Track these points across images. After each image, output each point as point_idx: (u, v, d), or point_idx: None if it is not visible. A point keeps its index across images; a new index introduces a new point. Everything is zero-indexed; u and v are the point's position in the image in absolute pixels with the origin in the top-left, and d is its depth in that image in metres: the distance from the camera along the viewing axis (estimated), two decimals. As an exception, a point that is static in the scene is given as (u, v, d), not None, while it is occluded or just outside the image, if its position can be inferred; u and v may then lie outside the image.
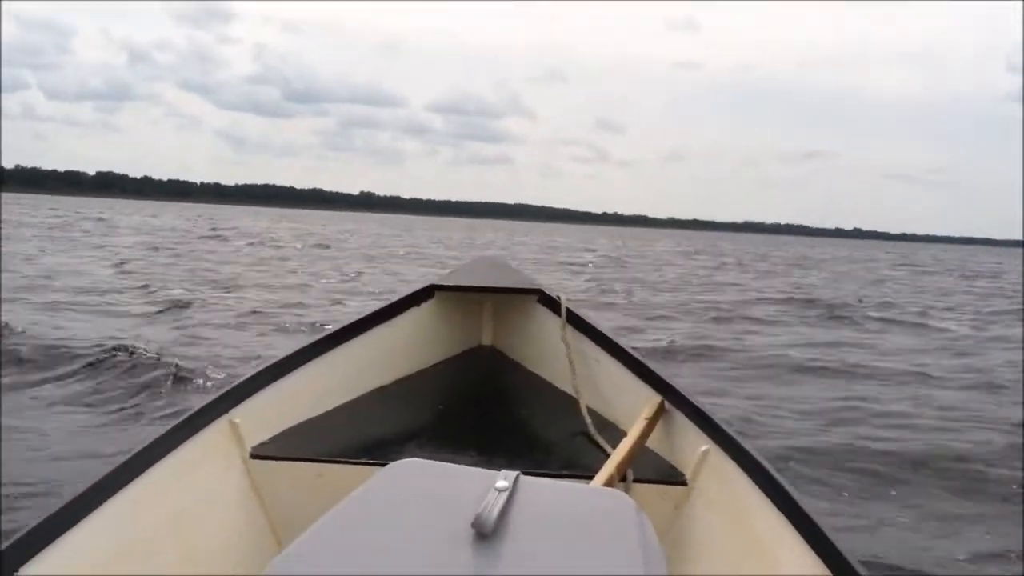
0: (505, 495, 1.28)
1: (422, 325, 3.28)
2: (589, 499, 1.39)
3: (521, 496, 1.30)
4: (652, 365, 2.82)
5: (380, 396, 3.05)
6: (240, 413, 2.49)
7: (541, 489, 1.34)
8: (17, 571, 1.65)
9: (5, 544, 1.66)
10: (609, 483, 2.18)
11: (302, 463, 2.50)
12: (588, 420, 2.80)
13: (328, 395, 2.88)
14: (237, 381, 2.59)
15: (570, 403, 2.93)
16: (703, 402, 2.58)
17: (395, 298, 3.25)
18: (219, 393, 2.51)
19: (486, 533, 1.20)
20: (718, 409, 2.65)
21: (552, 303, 3.22)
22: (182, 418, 2.32)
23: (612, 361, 2.95)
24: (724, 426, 2.39)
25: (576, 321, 3.11)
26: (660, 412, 2.64)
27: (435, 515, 1.25)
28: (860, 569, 1.71)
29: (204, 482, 2.32)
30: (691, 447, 2.47)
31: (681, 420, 2.58)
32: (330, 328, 3.03)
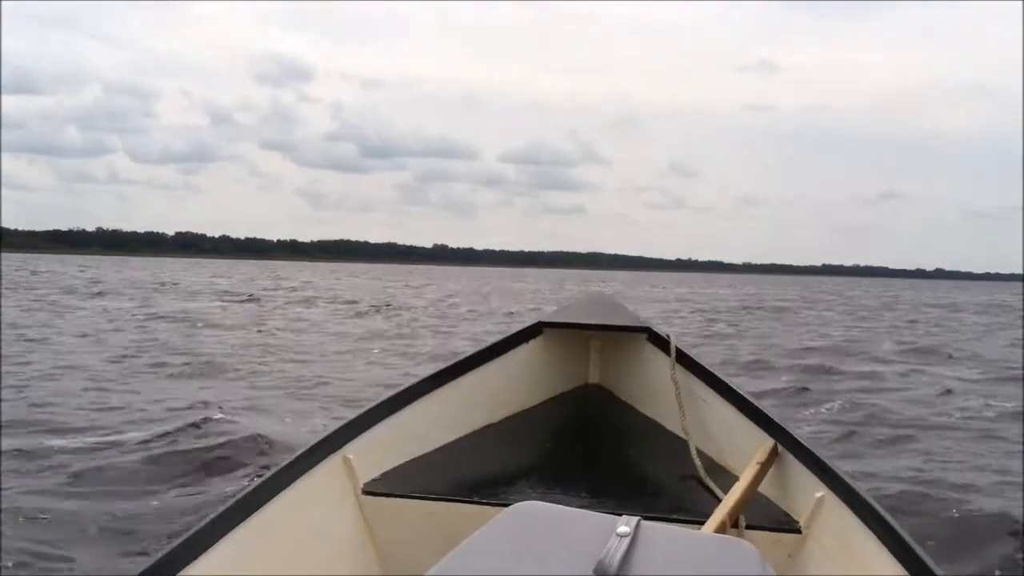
0: (627, 541, 1.26)
1: (530, 363, 3.27)
2: (711, 546, 1.37)
3: (642, 542, 1.28)
4: (764, 407, 2.75)
5: (489, 434, 3.06)
6: (353, 449, 2.54)
7: (662, 535, 1.33)
8: None
9: None
10: (721, 529, 2.13)
11: (413, 500, 2.51)
12: (698, 463, 2.73)
13: (438, 432, 2.88)
14: (350, 417, 2.63)
15: (680, 445, 2.85)
16: (817, 446, 2.52)
17: (504, 336, 3.24)
18: (333, 429, 2.55)
19: None
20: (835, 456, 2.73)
21: (661, 342, 3.16)
22: (296, 454, 2.38)
23: (723, 402, 2.87)
24: (840, 472, 2.33)
25: (686, 361, 3.03)
26: (773, 456, 2.58)
27: (557, 560, 1.25)
28: None
29: (318, 518, 2.37)
30: (805, 493, 2.42)
31: (795, 465, 2.52)
32: (439, 366, 2.99)
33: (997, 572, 4.68)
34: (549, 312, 3.69)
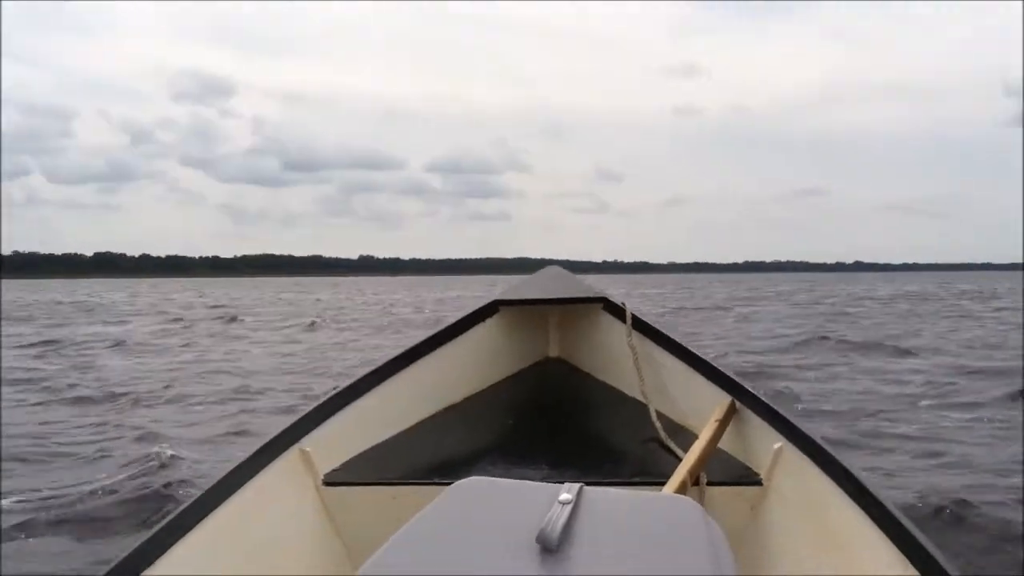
0: (569, 508, 1.27)
1: (488, 341, 3.25)
2: (654, 507, 1.38)
3: (585, 508, 1.29)
4: (721, 366, 2.79)
5: (450, 415, 3.04)
6: (311, 441, 2.50)
7: (605, 499, 1.33)
8: None
9: None
10: (682, 488, 2.14)
11: (375, 487, 2.50)
12: (658, 425, 2.76)
13: (398, 417, 2.86)
14: (306, 409, 2.58)
15: (640, 410, 2.87)
16: (775, 400, 2.55)
17: (460, 316, 3.22)
18: (289, 423, 2.50)
19: (551, 547, 1.20)
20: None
21: (617, 310, 3.19)
22: (253, 450, 2.32)
23: (680, 364, 2.90)
24: (797, 423, 2.36)
25: (642, 327, 3.06)
26: (731, 413, 2.61)
27: (500, 532, 1.25)
28: (947, 565, 1.65)
29: (278, 512, 2.33)
30: (764, 446, 2.43)
31: (753, 419, 2.55)
32: (395, 352, 2.96)
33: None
34: (504, 290, 3.61)
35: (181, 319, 28.27)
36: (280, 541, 2.33)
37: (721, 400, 2.67)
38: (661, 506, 1.40)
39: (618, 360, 3.14)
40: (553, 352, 3.56)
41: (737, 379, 2.71)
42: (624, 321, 3.10)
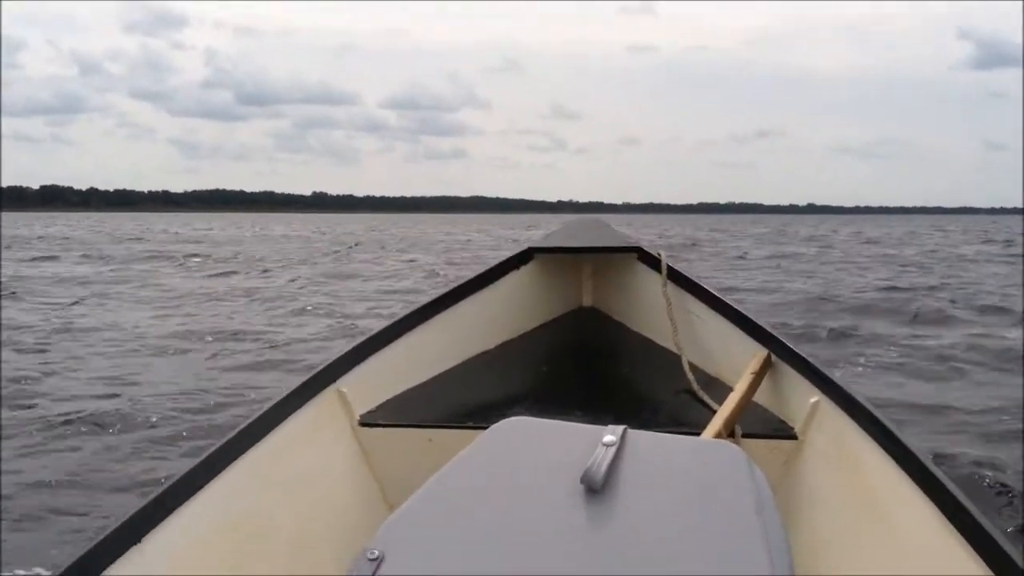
0: (613, 449, 1.26)
1: (522, 288, 3.27)
2: (698, 452, 1.36)
3: (629, 450, 1.29)
4: (756, 318, 2.77)
5: (484, 361, 3.05)
6: (347, 382, 2.53)
7: (649, 443, 1.33)
8: (140, 541, 1.71)
9: (126, 516, 1.72)
10: (717, 438, 2.12)
11: (410, 429, 2.53)
12: (691, 376, 2.76)
13: (432, 361, 2.89)
14: (343, 351, 2.61)
15: (674, 360, 2.86)
16: (811, 354, 2.53)
17: (495, 263, 3.25)
18: (326, 364, 2.53)
19: (596, 488, 1.20)
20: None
21: (652, 260, 3.17)
22: (290, 390, 2.36)
23: (714, 316, 2.89)
24: (834, 377, 2.35)
25: (677, 277, 3.06)
26: (767, 365, 2.59)
27: (543, 472, 1.26)
28: (983, 520, 1.62)
29: (314, 452, 2.37)
30: (800, 400, 2.43)
31: (789, 373, 2.54)
32: (432, 295, 3.01)
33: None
34: (539, 237, 3.67)
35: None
36: (316, 480, 2.34)
37: (756, 352, 2.63)
38: (706, 451, 1.37)
39: (652, 310, 3.11)
40: (587, 301, 3.54)
41: (773, 331, 2.67)
42: (659, 271, 3.06)
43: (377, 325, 2.81)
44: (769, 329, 2.70)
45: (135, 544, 1.71)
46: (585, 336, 3.40)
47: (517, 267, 3.25)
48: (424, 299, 2.99)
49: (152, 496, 1.82)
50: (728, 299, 2.91)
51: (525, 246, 3.34)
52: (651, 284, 3.11)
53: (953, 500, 1.71)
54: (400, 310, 2.97)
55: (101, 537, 1.66)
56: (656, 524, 1.17)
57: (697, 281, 3.03)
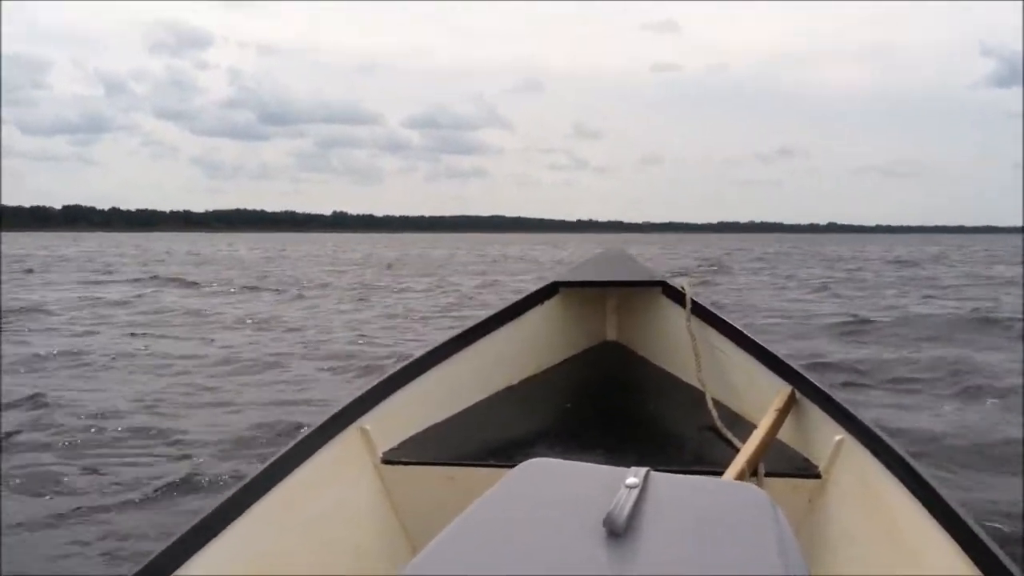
0: (636, 492, 1.25)
1: (547, 323, 3.26)
2: (721, 494, 1.35)
3: (652, 493, 1.28)
4: (781, 354, 2.77)
5: (508, 396, 3.06)
6: (370, 420, 2.53)
7: (672, 485, 1.32)
8: None
9: (151, 557, 1.75)
10: (740, 477, 2.13)
11: (433, 467, 2.53)
12: (715, 413, 2.73)
13: (456, 398, 2.88)
14: (366, 388, 2.62)
15: (697, 396, 2.85)
16: (836, 391, 2.52)
17: (519, 297, 3.25)
18: (349, 401, 2.53)
19: (618, 532, 1.19)
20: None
21: (676, 295, 3.17)
22: (314, 427, 2.36)
23: (739, 352, 2.89)
24: (858, 415, 2.33)
25: (701, 312, 3.05)
26: (791, 403, 2.58)
27: (565, 515, 1.24)
28: (1008, 563, 1.63)
29: (337, 490, 2.38)
30: (824, 438, 2.41)
31: (813, 410, 2.52)
32: (455, 331, 3.00)
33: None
34: (563, 271, 3.63)
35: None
36: (338, 518, 2.34)
37: (781, 389, 2.62)
38: (729, 493, 1.36)
39: (676, 345, 3.10)
40: (611, 335, 3.54)
41: (798, 368, 2.66)
42: (683, 306, 3.04)
43: (401, 361, 2.80)
44: (794, 366, 2.68)
45: None
46: (609, 371, 3.38)
47: (542, 301, 3.25)
48: (448, 334, 2.98)
49: (176, 536, 1.84)
50: (752, 334, 2.90)
51: (550, 280, 3.34)
52: (675, 318, 3.11)
53: (977, 541, 1.71)
54: (424, 346, 2.95)
55: None
56: (678, 567, 1.15)
57: (721, 316, 3.03)
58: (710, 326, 3.01)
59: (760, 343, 2.84)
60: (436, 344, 2.89)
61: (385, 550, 2.44)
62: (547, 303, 3.26)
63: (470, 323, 3.04)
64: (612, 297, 3.52)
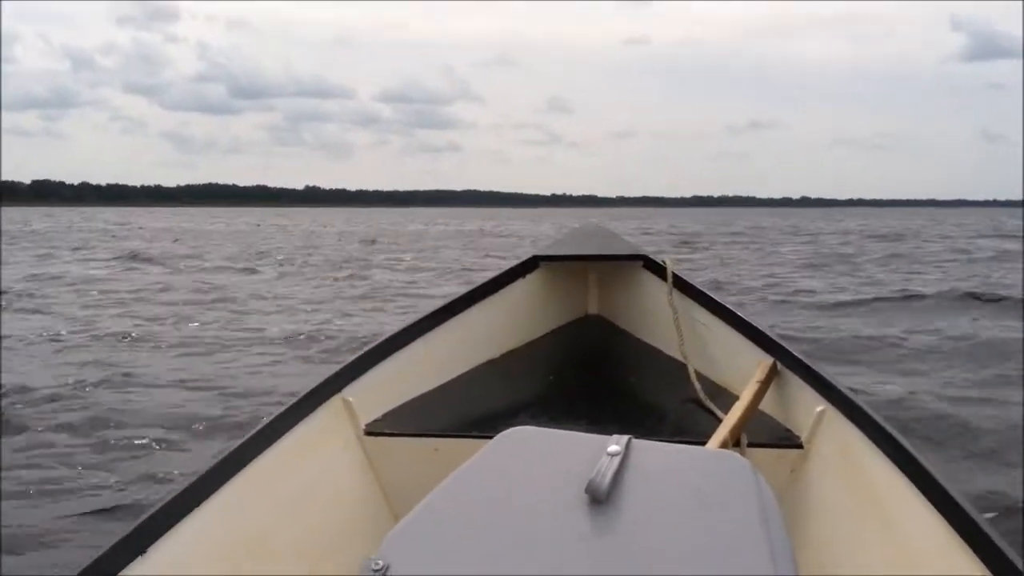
0: (618, 459, 1.27)
1: (528, 297, 3.28)
2: (703, 462, 1.37)
3: (634, 460, 1.29)
4: (762, 326, 2.79)
5: (490, 369, 3.06)
6: (352, 391, 2.53)
7: (654, 453, 1.33)
8: (140, 556, 1.71)
9: (127, 530, 1.73)
10: (723, 447, 2.13)
11: (416, 439, 2.54)
12: (698, 385, 2.77)
13: (438, 370, 2.89)
14: (348, 359, 2.62)
15: (679, 369, 2.89)
16: (817, 362, 2.54)
17: (501, 271, 3.26)
18: (331, 372, 2.54)
19: (600, 499, 1.20)
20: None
21: (657, 268, 3.19)
22: (296, 399, 2.36)
23: (720, 324, 2.90)
24: (840, 386, 2.36)
25: (682, 285, 3.06)
26: (772, 374, 2.60)
27: (548, 482, 1.26)
28: (989, 529, 1.63)
29: (320, 461, 2.38)
30: (806, 409, 2.44)
31: (795, 381, 2.54)
32: (437, 304, 3.02)
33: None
34: (544, 245, 3.68)
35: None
36: (321, 490, 2.34)
37: (762, 361, 2.63)
38: (710, 461, 1.37)
39: (658, 318, 3.12)
40: (592, 309, 3.55)
41: (779, 340, 2.67)
42: (664, 279, 3.06)
43: (383, 334, 2.81)
44: (775, 338, 2.70)
45: (140, 555, 1.72)
46: (591, 344, 3.40)
47: (523, 275, 3.25)
48: (430, 307, 2.99)
49: (157, 507, 1.82)
50: (734, 307, 2.91)
51: (530, 254, 3.34)
52: (657, 292, 3.11)
53: (959, 509, 1.71)
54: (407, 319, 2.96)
55: (104, 549, 1.65)
56: (660, 534, 1.17)
57: (703, 289, 3.03)
58: (691, 299, 3.02)
59: (742, 316, 2.86)
60: (417, 317, 2.90)
61: (368, 521, 2.43)
62: (528, 277, 3.26)
63: (451, 298, 3.06)
64: (593, 271, 3.51)
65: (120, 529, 1.74)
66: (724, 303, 2.95)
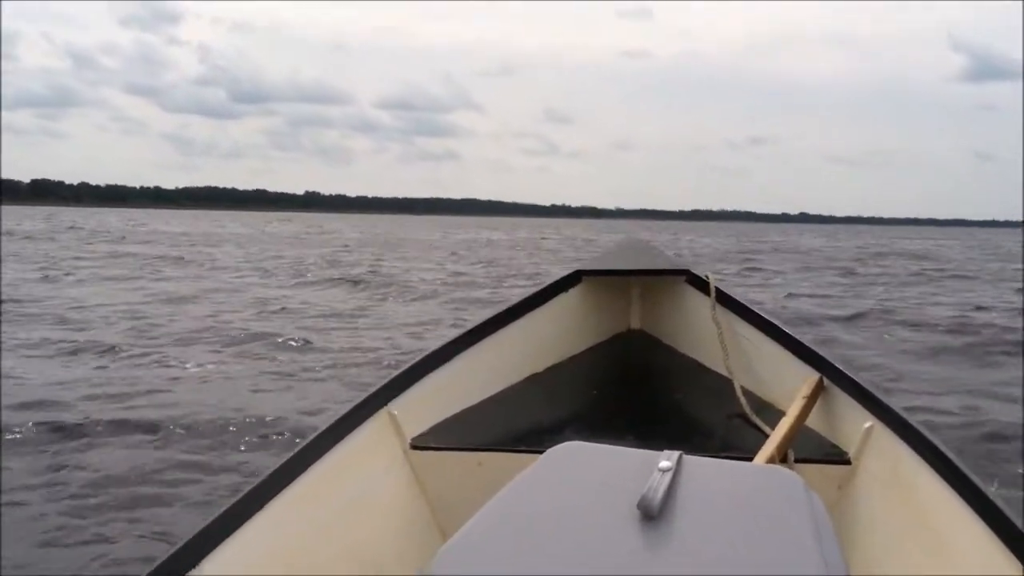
0: (669, 475, 1.25)
1: (571, 311, 3.26)
2: (755, 478, 1.35)
3: (685, 476, 1.27)
4: (808, 342, 2.77)
5: (534, 384, 3.06)
6: (398, 405, 2.54)
7: (705, 469, 1.31)
8: (191, 571, 1.73)
9: (178, 545, 1.75)
10: (770, 463, 2.13)
11: (461, 452, 2.53)
12: (743, 401, 2.75)
13: (483, 384, 2.90)
14: (394, 373, 2.63)
15: (724, 384, 2.87)
16: (864, 378, 2.54)
17: (543, 285, 3.26)
18: (377, 386, 2.54)
19: (652, 515, 1.18)
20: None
21: (700, 283, 3.16)
22: (342, 413, 2.37)
23: (765, 339, 2.89)
24: (888, 402, 2.35)
25: (726, 300, 3.04)
26: (819, 390, 2.59)
27: (598, 498, 1.24)
28: None
29: (366, 475, 2.38)
30: (853, 424, 2.43)
31: (842, 397, 2.53)
32: (480, 318, 3.01)
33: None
34: (587, 260, 3.72)
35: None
36: (368, 503, 2.35)
37: (808, 376, 2.62)
38: (762, 477, 1.35)
39: (701, 333, 3.08)
40: (635, 324, 3.52)
41: (825, 355, 2.65)
42: (707, 294, 3.04)
43: (427, 348, 2.80)
44: (821, 353, 2.68)
45: (191, 570, 1.73)
46: (634, 359, 3.41)
47: (565, 289, 3.24)
48: (474, 321, 3.00)
49: (206, 523, 1.83)
50: (779, 322, 2.89)
51: (574, 268, 3.34)
52: (700, 307, 3.10)
53: (1009, 525, 1.72)
54: (451, 332, 3.00)
55: (155, 565, 1.66)
56: (713, 551, 1.14)
57: (747, 304, 3.02)
58: (735, 314, 3.00)
59: (787, 331, 2.83)
60: (461, 331, 2.90)
61: (415, 536, 2.44)
62: (571, 291, 3.25)
63: (494, 312, 3.05)
64: (636, 286, 3.51)
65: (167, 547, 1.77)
66: (769, 318, 2.93)
